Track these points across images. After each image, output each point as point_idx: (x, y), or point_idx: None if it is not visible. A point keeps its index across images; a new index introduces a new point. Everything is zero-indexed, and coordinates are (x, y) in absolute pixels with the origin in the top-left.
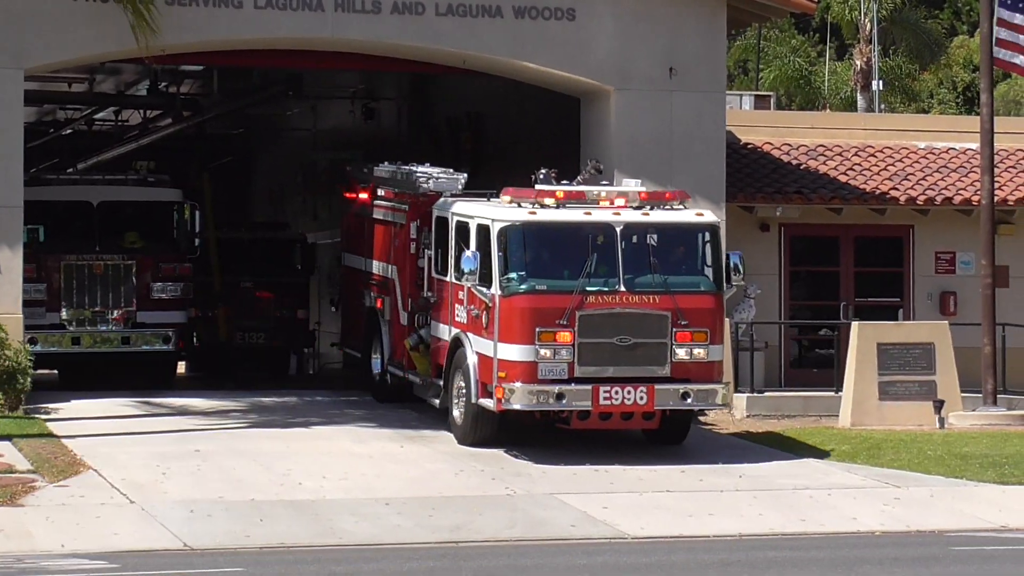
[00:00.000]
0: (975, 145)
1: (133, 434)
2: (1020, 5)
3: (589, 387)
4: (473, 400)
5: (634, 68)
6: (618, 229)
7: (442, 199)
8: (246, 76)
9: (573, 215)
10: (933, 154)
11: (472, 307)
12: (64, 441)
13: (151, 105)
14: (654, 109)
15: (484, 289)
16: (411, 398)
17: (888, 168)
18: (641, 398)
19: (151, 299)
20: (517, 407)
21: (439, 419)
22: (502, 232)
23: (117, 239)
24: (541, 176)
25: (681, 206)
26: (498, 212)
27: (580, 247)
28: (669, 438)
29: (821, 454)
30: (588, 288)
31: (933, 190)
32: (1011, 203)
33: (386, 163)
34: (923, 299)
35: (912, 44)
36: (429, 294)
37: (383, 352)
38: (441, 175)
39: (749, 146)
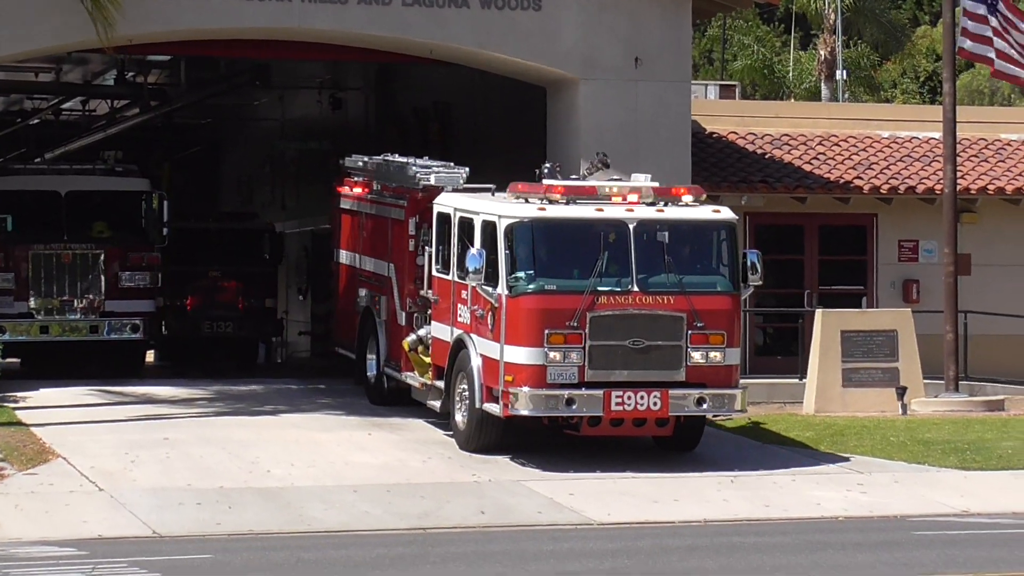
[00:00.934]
0: (938, 134)
1: (102, 422)
2: None
3: (600, 392)
4: (477, 405)
5: (600, 58)
6: (631, 226)
7: (443, 194)
8: (213, 66)
9: (584, 211)
10: (896, 143)
11: (476, 307)
12: (33, 429)
13: (118, 95)
14: (620, 98)
15: (490, 288)
16: (408, 401)
17: (852, 157)
18: (655, 404)
19: (119, 288)
20: (524, 413)
21: (407, 407)
22: (509, 229)
23: (85, 229)
24: (546, 170)
25: (696, 202)
26: (505, 208)
27: (591, 245)
28: (681, 444)
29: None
30: (600, 288)
31: (896, 179)
32: (973, 192)
33: (385, 155)
34: (886, 287)
35: (876, 34)
36: (429, 292)
37: (379, 353)
38: (441, 169)
39: (714, 135)
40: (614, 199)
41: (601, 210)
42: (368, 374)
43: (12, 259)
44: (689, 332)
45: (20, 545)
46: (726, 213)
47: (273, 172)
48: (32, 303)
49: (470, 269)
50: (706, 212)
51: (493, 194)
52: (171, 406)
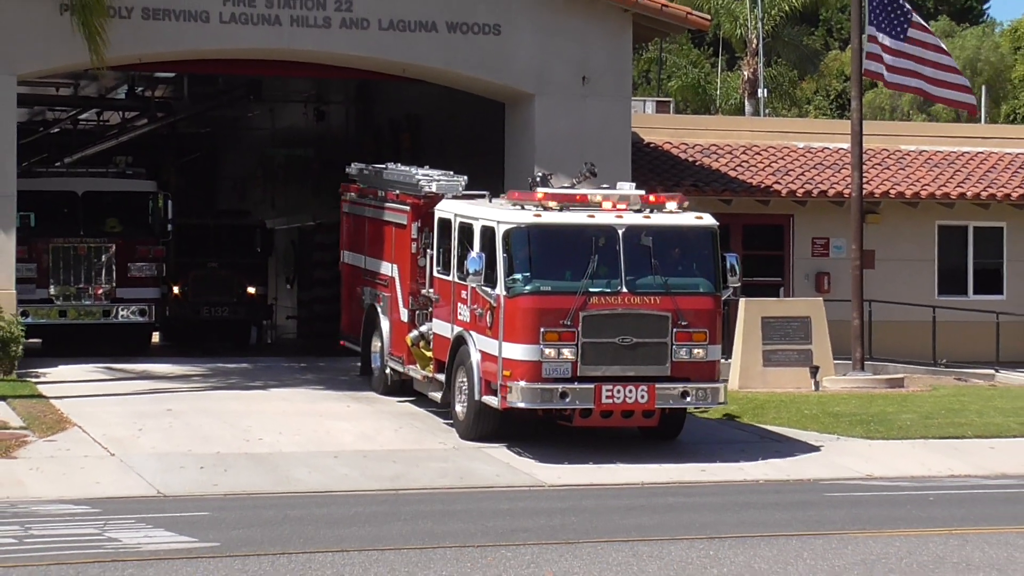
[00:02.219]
0: (846, 145)
1: (112, 395)
2: (884, 27)
3: (592, 386)
4: (476, 397)
5: (552, 76)
6: (620, 231)
7: (444, 200)
8: (212, 82)
9: (577, 217)
10: (810, 153)
11: (476, 306)
12: (52, 401)
13: (129, 107)
14: (569, 112)
15: (489, 289)
16: (411, 392)
17: (772, 165)
18: (642, 397)
19: (129, 277)
20: (522, 405)
21: (403, 394)
22: (507, 234)
23: (99, 224)
24: (539, 178)
25: (679, 209)
26: (503, 214)
27: (583, 249)
28: (665, 433)
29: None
30: (591, 289)
31: (810, 184)
32: (877, 196)
33: (390, 164)
34: (801, 279)
35: (792, 57)
36: (430, 292)
37: (383, 347)
38: (442, 177)
39: (651, 145)
40: (604, 206)
41: (592, 216)
42: (372, 366)
43: (34, 251)
44: (674, 330)
45: (41, 503)
46: (708, 219)
47: (264, 175)
48: (52, 290)
49: (470, 271)
50: (689, 219)
51: (490, 200)
52: (173, 381)
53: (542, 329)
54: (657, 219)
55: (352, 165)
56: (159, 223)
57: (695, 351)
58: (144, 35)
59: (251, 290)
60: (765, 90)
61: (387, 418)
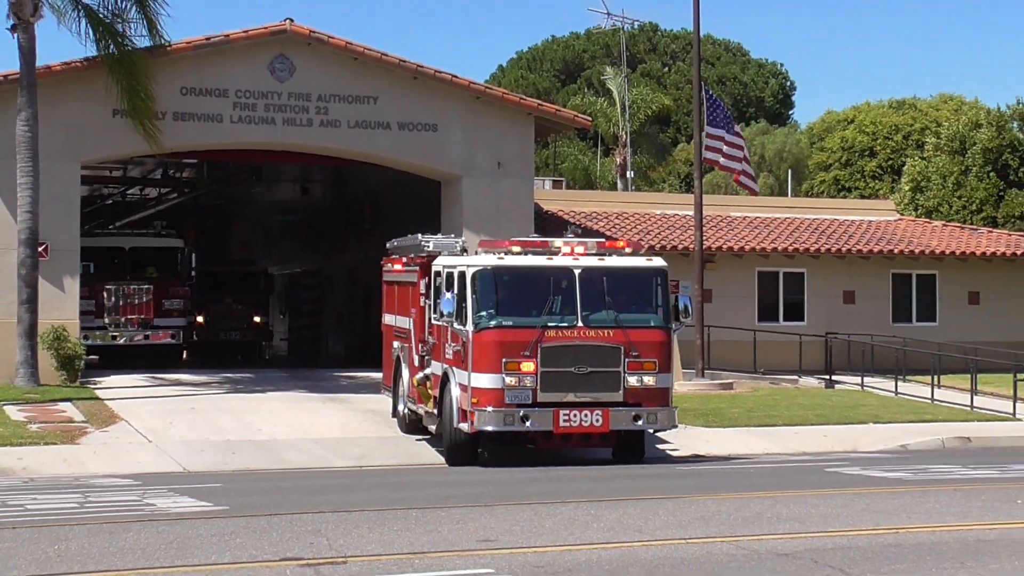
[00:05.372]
0: (691, 212)
1: (151, 398)
2: (720, 125)
3: (550, 411)
4: (454, 424)
5: (475, 162)
6: (576, 272)
7: (439, 257)
8: (225, 166)
9: (536, 260)
10: (665, 218)
11: (455, 344)
12: (106, 402)
13: (163, 185)
14: (488, 189)
15: (460, 327)
16: (426, 430)
17: (637, 227)
18: (597, 420)
19: (163, 310)
20: (488, 428)
21: (350, 388)
22: (474, 276)
23: (141, 271)
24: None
25: (632, 253)
26: (472, 259)
27: (543, 288)
28: (627, 458)
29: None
30: (549, 324)
31: (665, 241)
32: (713, 250)
33: (419, 235)
34: None
35: (651, 148)
36: (429, 336)
37: (403, 390)
38: (440, 238)
39: (549, 212)
40: (563, 251)
41: (551, 259)
42: (398, 407)
43: (93, 291)
44: (626, 360)
45: (97, 477)
46: (658, 261)
47: (264, 235)
48: (106, 320)
49: (444, 312)
50: (641, 260)
51: (477, 254)
52: (196, 387)
53: (504, 360)
54: (611, 261)
55: (392, 241)
56: (186, 270)
57: (646, 379)
58: (174, 132)
59: (256, 319)
60: (632, 172)
61: (355, 414)
